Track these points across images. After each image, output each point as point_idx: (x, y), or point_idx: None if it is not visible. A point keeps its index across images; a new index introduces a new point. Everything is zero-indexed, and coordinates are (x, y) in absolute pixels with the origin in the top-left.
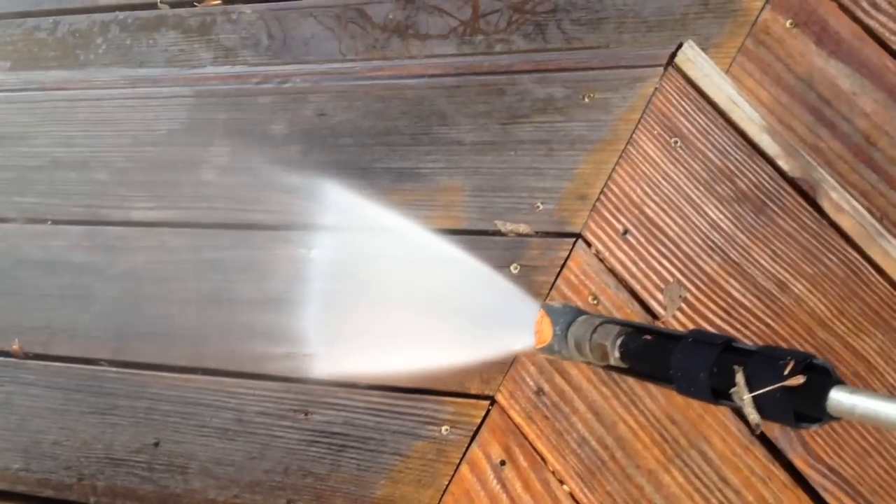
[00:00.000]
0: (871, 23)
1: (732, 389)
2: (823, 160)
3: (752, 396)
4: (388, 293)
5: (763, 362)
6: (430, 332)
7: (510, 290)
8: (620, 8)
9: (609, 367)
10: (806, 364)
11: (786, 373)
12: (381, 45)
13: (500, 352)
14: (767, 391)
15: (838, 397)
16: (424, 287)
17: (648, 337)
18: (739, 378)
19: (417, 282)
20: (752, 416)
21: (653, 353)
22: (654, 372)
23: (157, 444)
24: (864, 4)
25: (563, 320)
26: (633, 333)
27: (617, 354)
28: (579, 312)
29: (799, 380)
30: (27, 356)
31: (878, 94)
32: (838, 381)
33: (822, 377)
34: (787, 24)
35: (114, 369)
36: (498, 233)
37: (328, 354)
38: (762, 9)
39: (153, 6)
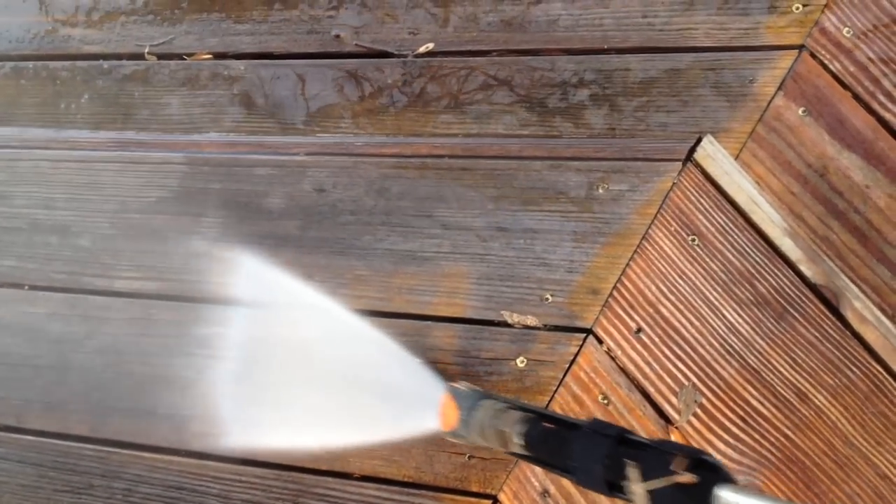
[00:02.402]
0: (886, 115)
1: (624, 482)
2: (834, 253)
3: (645, 491)
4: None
5: (656, 456)
6: (341, 411)
7: (421, 371)
8: (630, 88)
9: (512, 454)
10: (697, 461)
11: (672, 467)
12: (379, 109)
13: (408, 433)
14: (658, 486)
15: (725, 496)
16: (339, 365)
17: (549, 425)
18: (632, 472)
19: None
20: None
21: (553, 442)
22: (554, 461)
23: None
24: (880, 97)
25: (467, 404)
26: (535, 420)
27: (520, 441)
28: (483, 396)
29: (690, 477)
30: None
31: (891, 188)
32: (727, 480)
33: (712, 474)
34: (800, 112)
35: (90, 446)
36: (504, 324)
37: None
38: (774, 95)
39: (140, 56)
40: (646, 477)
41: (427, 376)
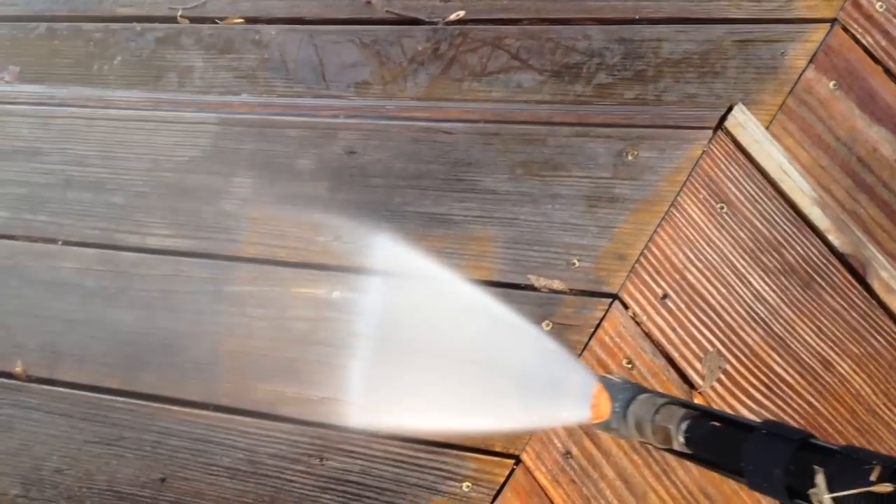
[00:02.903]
0: None
1: (811, 490)
2: (861, 226)
3: (834, 500)
4: (415, 344)
5: (846, 463)
6: (470, 392)
7: (567, 357)
8: (661, 59)
9: (670, 451)
10: (894, 470)
11: (873, 478)
12: (408, 76)
13: (549, 422)
14: (851, 495)
15: None
16: (462, 342)
17: (717, 423)
18: (820, 479)
19: (452, 336)
20: None
21: (721, 442)
22: (721, 462)
23: (163, 480)
24: None
25: (622, 396)
26: (699, 418)
27: (681, 439)
28: (640, 389)
29: (887, 487)
30: (30, 379)
31: None
32: None
33: None
34: (831, 85)
35: (121, 399)
36: (531, 287)
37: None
38: (805, 68)
39: (173, 20)
40: (834, 485)
41: (576, 365)
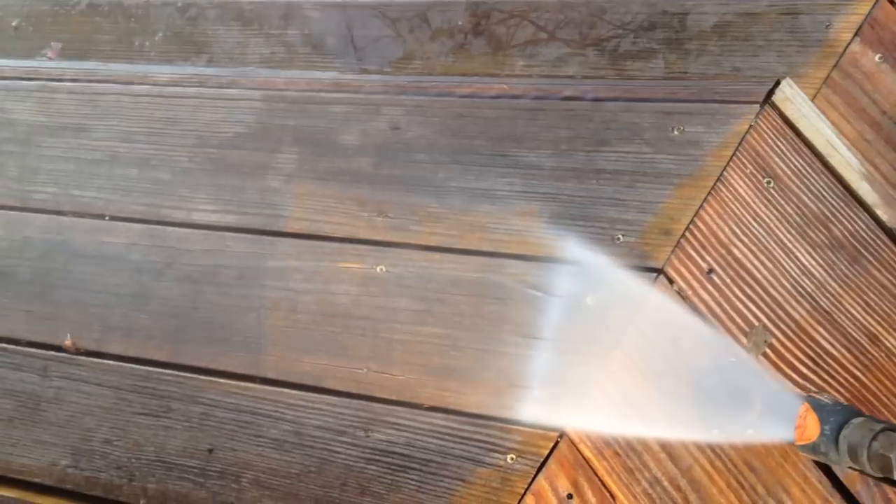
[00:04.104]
0: None
1: None
2: None
3: None
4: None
5: None
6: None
7: (772, 376)
8: (704, 32)
9: (889, 482)
10: None
11: None
12: (452, 52)
13: (748, 438)
14: None
15: None
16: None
17: None
18: None
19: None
20: None
21: None
22: None
23: (211, 451)
24: None
25: (833, 419)
26: None
27: None
28: (854, 413)
29: None
30: (79, 352)
31: None
32: None
33: None
34: (877, 58)
35: (169, 372)
36: (575, 262)
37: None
38: (851, 41)
39: None
40: None
41: (780, 384)
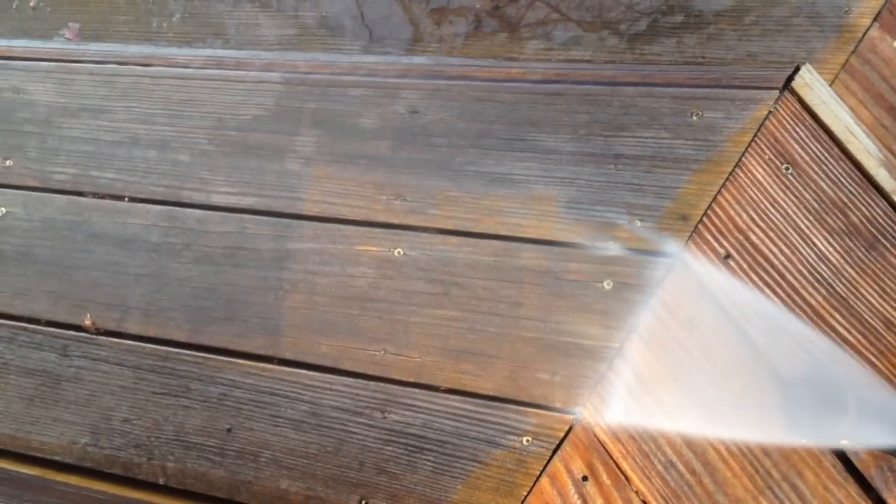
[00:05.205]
0: None
1: None
2: None
3: None
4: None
5: None
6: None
7: (884, 387)
8: (722, 16)
9: None
10: None
11: None
12: (469, 35)
13: (865, 444)
14: None
15: None
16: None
17: None
18: None
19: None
20: None
21: None
22: None
23: (229, 430)
24: None
25: None
26: None
27: None
28: None
29: None
30: (99, 332)
31: None
32: None
33: None
34: (895, 44)
35: (188, 352)
36: (592, 247)
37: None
38: (870, 26)
39: None
40: None
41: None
